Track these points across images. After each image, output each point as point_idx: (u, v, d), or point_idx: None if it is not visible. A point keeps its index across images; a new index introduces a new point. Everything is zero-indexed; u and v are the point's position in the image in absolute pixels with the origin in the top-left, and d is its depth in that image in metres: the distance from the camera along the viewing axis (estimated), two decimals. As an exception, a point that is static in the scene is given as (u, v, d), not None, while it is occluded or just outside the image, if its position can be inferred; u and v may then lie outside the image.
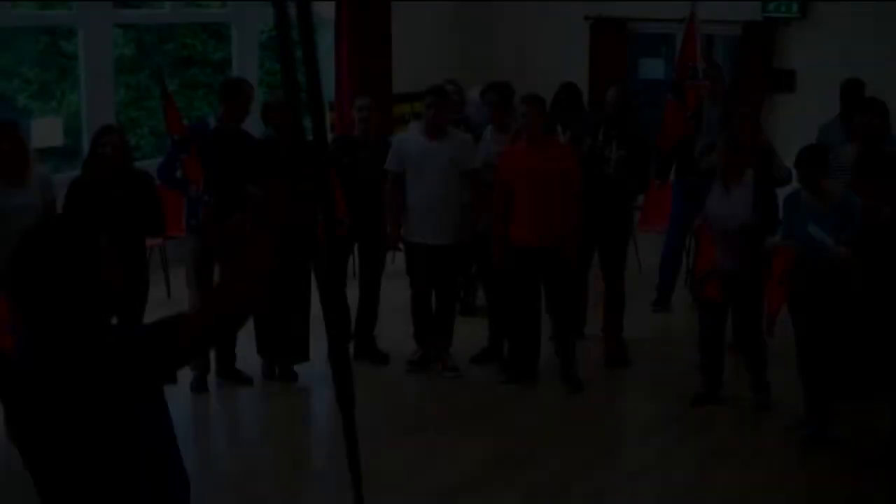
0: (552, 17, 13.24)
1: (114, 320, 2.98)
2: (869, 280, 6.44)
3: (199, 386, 7.53)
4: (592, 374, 7.93)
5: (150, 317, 6.41)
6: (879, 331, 6.47)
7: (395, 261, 8.80)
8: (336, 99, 11.36)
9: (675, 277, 9.48)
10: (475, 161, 7.74)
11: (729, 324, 7.34)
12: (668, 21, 12.69)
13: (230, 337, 2.76)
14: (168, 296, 9.23)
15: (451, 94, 8.89)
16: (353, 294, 8.07)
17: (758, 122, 8.15)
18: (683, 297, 9.33)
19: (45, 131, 10.60)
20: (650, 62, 13.68)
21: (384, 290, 8.24)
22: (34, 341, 2.84)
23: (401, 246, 7.91)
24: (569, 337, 7.79)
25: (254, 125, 8.16)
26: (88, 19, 9.94)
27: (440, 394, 7.65)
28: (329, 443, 6.97)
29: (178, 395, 6.92)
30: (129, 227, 6.69)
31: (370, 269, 8.05)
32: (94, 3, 9.94)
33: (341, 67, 11.90)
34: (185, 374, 7.48)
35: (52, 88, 11.29)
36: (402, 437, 6.91)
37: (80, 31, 10.04)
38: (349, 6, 11.85)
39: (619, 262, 8.32)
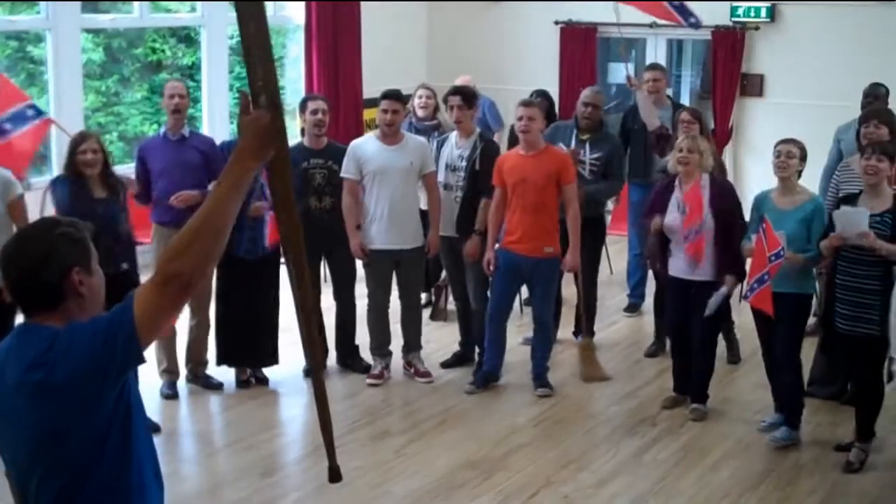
0: (522, 21, 13.27)
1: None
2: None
3: (169, 392, 7.50)
4: (564, 378, 7.94)
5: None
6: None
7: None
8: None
9: (644, 282, 9.48)
10: (432, 164, 7.77)
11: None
12: (637, 26, 12.73)
13: (181, 303, 2.79)
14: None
15: (425, 98, 8.93)
16: (327, 300, 8.12)
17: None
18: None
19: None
20: (620, 66, 13.70)
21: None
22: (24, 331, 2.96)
23: (363, 253, 7.79)
24: (547, 340, 7.79)
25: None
26: (57, 24, 9.88)
27: (411, 399, 7.64)
28: (300, 447, 6.94)
29: (149, 401, 6.86)
30: (108, 232, 6.68)
31: (340, 278, 8.04)
32: (63, 8, 9.89)
33: (312, 72, 11.89)
34: (156, 381, 7.45)
35: (21, 93, 11.20)
36: (372, 442, 6.90)
37: (48, 36, 9.98)
38: (319, 10, 11.85)
39: (592, 267, 8.35)
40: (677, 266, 7.11)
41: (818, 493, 6.29)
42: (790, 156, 6.72)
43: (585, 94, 8.43)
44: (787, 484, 6.40)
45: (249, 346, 7.68)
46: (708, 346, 7.22)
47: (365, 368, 8.00)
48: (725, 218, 7.00)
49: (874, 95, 8.67)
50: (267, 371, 7.80)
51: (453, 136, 7.97)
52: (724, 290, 7.01)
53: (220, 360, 7.71)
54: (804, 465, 6.63)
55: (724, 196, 7.08)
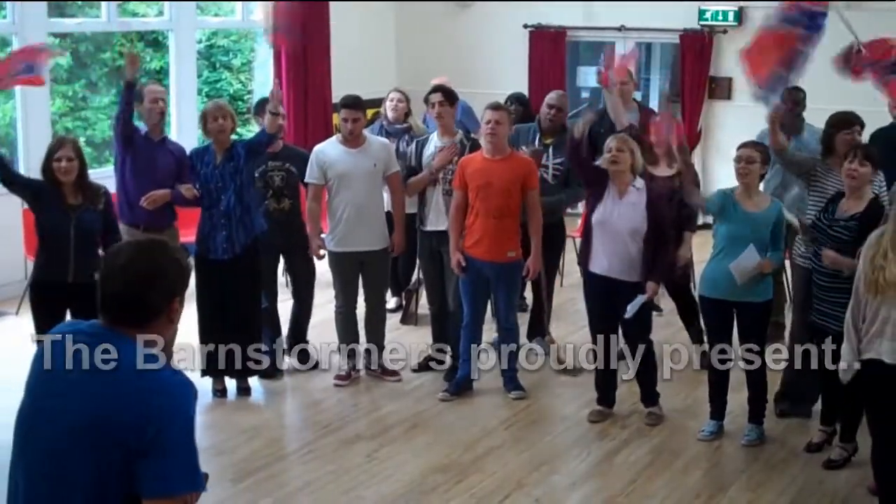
0: (492, 25, 13.30)
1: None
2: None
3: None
4: (533, 381, 7.94)
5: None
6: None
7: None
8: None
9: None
10: (395, 165, 7.85)
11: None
12: (605, 30, 12.79)
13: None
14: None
15: (396, 101, 8.92)
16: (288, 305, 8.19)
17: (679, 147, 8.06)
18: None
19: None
20: (589, 70, 13.77)
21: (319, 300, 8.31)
22: None
23: (322, 253, 7.87)
24: (516, 344, 7.80)
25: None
26: (23, 28, 9.82)
27: (381, 403, 7.62)
28: (271, 453, 6.90)
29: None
30: (83, 239, 6.69)
31: (299, 277, 8.16)
32: (29, 12, 9.83)
33: (280, 76, 11.87)
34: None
35: (-14, 99, 11.15)
36: (343, 447, 6.88)
37: (14, 40, 9.91)
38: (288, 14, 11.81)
39: (550, 273, 8.34)
40: (600, 263, 7.09)
41: (788, 493, 6.32)
42: (750, 160, 6.74)
43: (550, 96, 8.44)
44: (757, 485, 6.42)
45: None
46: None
47: (314, 365, 8.11)
48: (658, 223, 7.00)
49: (793, 101, 8.50)
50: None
51: (434, 136, 7.99)
52: (643, 296, 6.99)
53: (205, 372, 7.64)
54: (775, 465, 6.66)
55: (658, 200, 7.07)
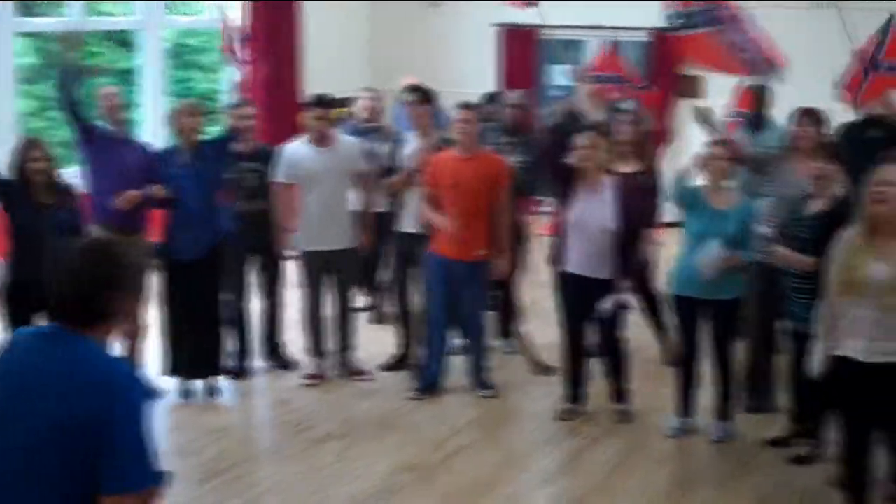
0: (464, 24, 13.29)
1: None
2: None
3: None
4: (502, 379, 7.92)
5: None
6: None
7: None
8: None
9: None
10: (363, 163, 7.84)
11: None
12: (576, 28, 12.79)
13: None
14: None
15: (369, 100, 8.90)
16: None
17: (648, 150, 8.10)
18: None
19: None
20: (559, 68, 13.73)
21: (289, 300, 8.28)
22: None
23: (291, 254, 7.87)
24: (486, 343, 7.78)
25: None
26: (-11, 27, 9.73)
27: (349, 403, 7.60)
28: (238, 454, 6.85)
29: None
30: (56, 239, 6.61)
31: (271, 277, 8.11)
32: (-5, 11, 9.75)
33: (250, 74, 11.83)
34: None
35: (-47, 99, 11.04)
36: (311, 447, 6.85)
37: (-20, 39, 9.82)
38: (257, 11, 11.77)
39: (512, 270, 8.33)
40: (573, 262, 7.06)
41: (760, 489, 6.32)
42: (716, 157, 6.75)
43: (512, 96, 8.43)
44: (728, 481, 6.42)
45: (204, 356, 7.57)
46: (610, 346, 7.21)
47: (284, 364, 8.11)
48: (629, 219, 6.99)
49: (756, 98, 8.55)
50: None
51: (412, 137, 7.95)
52: (620, 296, 7.00)
53: (170, 371, 7.58)
54: (746, 462, 6.66)
55: (631, 197, 7.06)
